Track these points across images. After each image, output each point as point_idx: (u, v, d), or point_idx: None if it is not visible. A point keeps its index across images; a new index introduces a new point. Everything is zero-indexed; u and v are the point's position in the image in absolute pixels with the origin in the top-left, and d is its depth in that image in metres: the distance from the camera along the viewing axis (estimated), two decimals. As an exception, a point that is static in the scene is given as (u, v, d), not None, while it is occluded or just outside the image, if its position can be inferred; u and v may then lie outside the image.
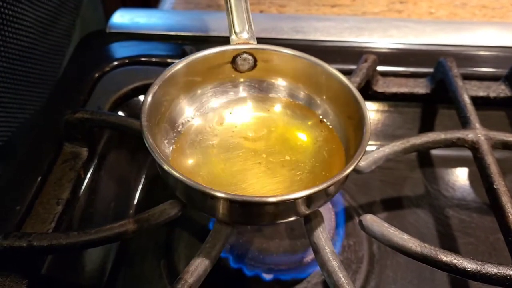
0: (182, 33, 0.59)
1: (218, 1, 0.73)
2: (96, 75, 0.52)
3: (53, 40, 0.62)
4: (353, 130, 0.37)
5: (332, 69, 0.39)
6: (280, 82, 0.42)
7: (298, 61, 0.40)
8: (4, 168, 0.43)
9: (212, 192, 0.30)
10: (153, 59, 0.55)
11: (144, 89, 0.52)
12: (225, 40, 0.57)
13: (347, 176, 0.33)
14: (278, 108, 0.42)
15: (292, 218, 0.33)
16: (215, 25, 0.59)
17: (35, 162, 0.43)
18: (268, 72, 0.41)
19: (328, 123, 0.40)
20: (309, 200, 0.32)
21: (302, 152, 0.38)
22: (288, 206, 0.32)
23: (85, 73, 0.53)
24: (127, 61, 0.54)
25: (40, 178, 0.41)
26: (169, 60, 0.54)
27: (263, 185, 0.35)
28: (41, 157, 0.43)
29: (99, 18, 0.75)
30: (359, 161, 0.32)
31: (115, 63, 0.54)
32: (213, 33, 0.58)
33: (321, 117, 0.40)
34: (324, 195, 0.33)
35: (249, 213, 0.33)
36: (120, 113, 0.51)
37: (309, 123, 0.40)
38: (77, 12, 0.68)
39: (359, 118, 0.35)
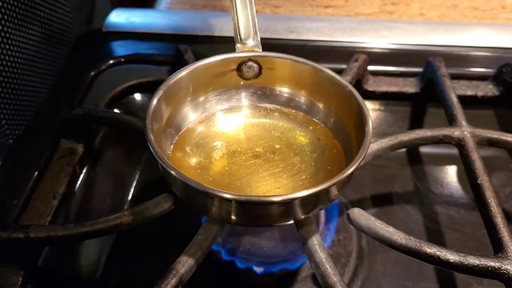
0: (177, 33, 0.59)
1: (214, 1, 0.74)
2: (93, 73, 0.53)
3: (60, 34, 0.62)
4: (354, 134, 0.37)
5: (335, 75, 0.39)
6: (284, 89, 0.42)
7: (303, 68, 0.41)
8: (2, 163, 0.44)
9: (221, 194, 0.30)
10: (149, 58, 0.55)
11: (139, 87, 0.53)
12: (220, 40, 0.58)
13: (349, 177, 0.33)
14: (281, 114, 0.42)
15: (291, 221, 0.34)
16: (210, 25, 0.60)
17: (33, 157, 0.44)
18: (273, 79, 0.42)
19: (330, 128, 0.41)
20: (309, 201, 0.32)
21: (304, 158, 0.38)
22: (288, 207, 0.32)
23: (82, 72, 0.53)
24: (123, 59, 0.55)
25: (37, 173, 0.42)
26: (164, 59, 0.55)
27: (267, 189, 0.36)
28: (39, 153, 0.44)
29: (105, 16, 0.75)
30: (359, 163, 0.32)
31: (111, 61, 0.55)
32: (208, 33, 0.59)
33: (322, 123, 0.41)
34: (325, 197, 0.33)
35: (256, 214, 0.33)
36: (116, 110, 0.52)
37: (311, 127, 0.41)
38: (85, 9, 0.69)
39: (360, 122, 0.36)
